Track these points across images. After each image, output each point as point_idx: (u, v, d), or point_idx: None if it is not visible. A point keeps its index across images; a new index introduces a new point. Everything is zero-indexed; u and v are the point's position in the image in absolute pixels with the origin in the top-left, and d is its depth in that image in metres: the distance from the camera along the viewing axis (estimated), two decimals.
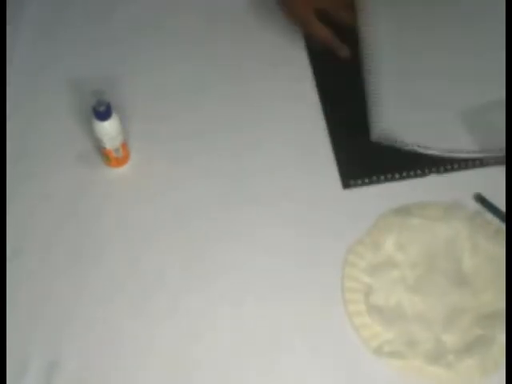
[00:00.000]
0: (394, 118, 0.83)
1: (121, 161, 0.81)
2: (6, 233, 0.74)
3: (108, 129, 0.77)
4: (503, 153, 0.75)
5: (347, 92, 0.87)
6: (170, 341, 0.71)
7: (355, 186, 0.80)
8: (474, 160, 0.80)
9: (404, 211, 0.76)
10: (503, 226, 0.75)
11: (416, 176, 0.80)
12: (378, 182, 0.80)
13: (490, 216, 0.76)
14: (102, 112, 0.76)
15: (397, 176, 0.80)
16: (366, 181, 0.80)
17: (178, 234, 0.77)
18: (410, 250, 0.74)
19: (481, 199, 0.77)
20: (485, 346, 0.69)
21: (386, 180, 0.80)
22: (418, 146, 0.81)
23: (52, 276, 0.75)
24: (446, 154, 0.81)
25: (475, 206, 0.77)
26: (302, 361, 0.70)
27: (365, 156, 0.82)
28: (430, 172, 0.80)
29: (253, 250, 0.76)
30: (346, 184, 0.80)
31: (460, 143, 0.81)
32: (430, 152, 0.81)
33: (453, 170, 0.80)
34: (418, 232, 0.75)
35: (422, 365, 0.68)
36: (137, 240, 0.77)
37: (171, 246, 0.76)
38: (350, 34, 0.89)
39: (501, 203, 0.76)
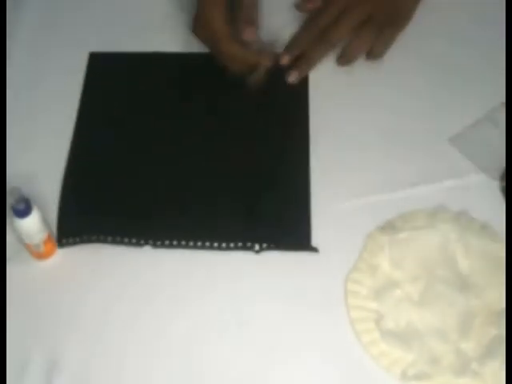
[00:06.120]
0: None
1: (42, 255, 0.74)
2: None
3: (25, 227, 0.70)
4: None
5: None
6: (172, 340, 0.70)
7: None
8: None
9: (389, 227, 0.75)
10: (487, 221, 0.75)
11: None
12: None
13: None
14: (21, 210, 0.69)
15: None
16: None
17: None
18: (406, 264, 0.73)
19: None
20: (503, 344, 0.68)
21: None
22: None
23: None
24: None
25: (456, 207, 0.77)
26: None
27: None
28: None
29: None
30: None
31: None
32: None
33: None
34: (409, 245, 0.74)
35: (450, 380, 0.67)
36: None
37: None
38: None
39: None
